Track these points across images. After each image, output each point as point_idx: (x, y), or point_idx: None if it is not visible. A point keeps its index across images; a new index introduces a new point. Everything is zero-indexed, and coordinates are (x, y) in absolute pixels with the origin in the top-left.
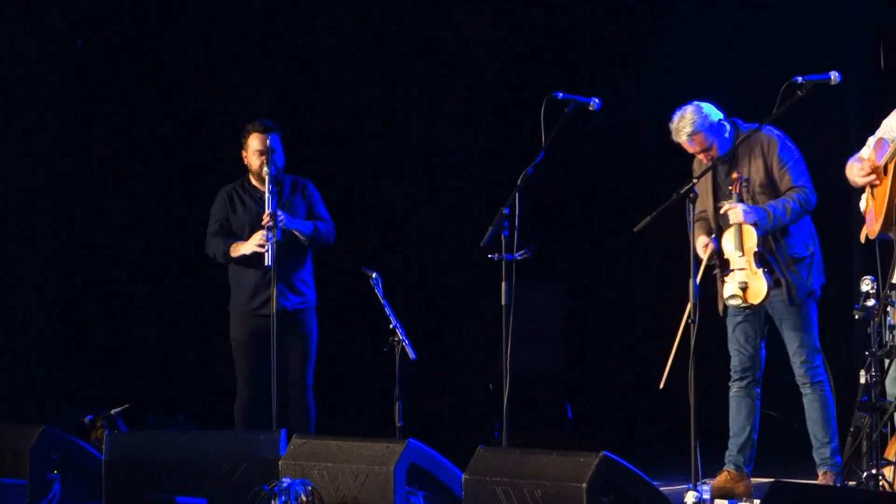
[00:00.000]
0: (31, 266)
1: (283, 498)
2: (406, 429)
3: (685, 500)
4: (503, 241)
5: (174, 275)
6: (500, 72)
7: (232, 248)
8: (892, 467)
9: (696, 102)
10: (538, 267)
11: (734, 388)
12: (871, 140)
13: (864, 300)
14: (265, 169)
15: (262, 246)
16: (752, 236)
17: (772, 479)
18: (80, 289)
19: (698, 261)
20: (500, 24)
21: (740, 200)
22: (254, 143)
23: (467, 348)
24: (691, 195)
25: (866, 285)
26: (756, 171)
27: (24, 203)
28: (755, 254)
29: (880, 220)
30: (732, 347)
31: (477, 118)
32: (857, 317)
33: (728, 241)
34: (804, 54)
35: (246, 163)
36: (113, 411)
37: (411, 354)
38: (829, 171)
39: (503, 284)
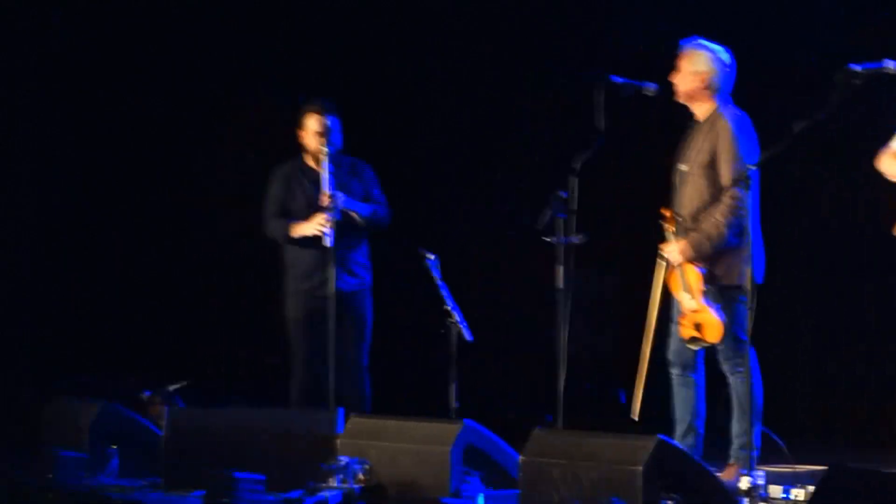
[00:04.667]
0: (88, 252)
1: (341, 476)
2: (461, 410)
3: (739, 484)
4: (560, 225)
5: (228, 257)
6: (553, 55)
7: (292, 229)
8: None
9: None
10: (594, 251)
11: (672, 375)
12: None
13: None
14: (323, 149)
15: (322, 227)
16: (696, 277)
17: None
18: (141, 268)
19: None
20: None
21: (676, 236)
22: (312, 123)
23: (523, 331)
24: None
25: None
26: (701, 151)
27: None
28: (703, 292)
29: None
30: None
31: (533, 100)
32: None
33: (676, 286)
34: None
35: (303, 143)
36: (171, 388)
37: (467, 336)
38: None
39: (558, 268)
